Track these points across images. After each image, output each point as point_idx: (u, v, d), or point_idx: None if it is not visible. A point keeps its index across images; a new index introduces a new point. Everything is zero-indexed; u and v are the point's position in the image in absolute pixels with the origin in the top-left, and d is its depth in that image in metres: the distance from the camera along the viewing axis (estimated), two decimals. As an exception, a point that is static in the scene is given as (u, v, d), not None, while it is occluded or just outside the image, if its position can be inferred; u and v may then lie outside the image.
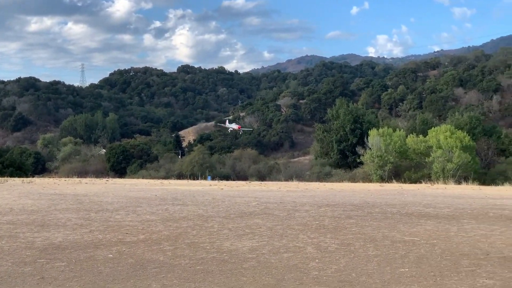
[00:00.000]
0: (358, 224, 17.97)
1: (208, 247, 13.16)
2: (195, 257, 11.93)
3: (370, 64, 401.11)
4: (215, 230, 16.34)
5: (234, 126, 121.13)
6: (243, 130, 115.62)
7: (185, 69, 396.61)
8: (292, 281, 9.77)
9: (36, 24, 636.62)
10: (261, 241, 14.12)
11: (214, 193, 33.76)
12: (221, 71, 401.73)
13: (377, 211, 23.10)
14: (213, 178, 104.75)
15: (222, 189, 40.02)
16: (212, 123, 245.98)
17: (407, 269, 10.65)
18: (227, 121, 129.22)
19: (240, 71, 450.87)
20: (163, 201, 26.77)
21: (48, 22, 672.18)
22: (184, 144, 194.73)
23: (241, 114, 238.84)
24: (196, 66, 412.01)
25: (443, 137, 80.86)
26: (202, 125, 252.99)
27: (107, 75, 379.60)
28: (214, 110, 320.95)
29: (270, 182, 63.83)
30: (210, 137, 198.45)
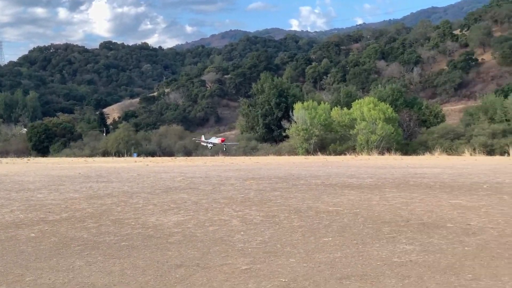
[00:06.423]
0: (283, 196, 18.16)
1: (133, 223, 13.06)
2: (120, 233, 11.81)
3: (294, 38, 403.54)
4: (140, 206, 16.22)
5: (215, 140, 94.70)
6: (225, 144, 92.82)
7: (107, 46, 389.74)
8: (218, 253, 9.78)
9: None
10: (187, 215, 14.10)
11: (140, 170, 33.49)
12: (144, 47, 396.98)
13: (302, 183, 23.43)
14: (139, 155, 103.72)
15: (147, 165, 39.75)
16: (137, 99, 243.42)
17: (330, 238, 10.82)
18: (203, 136, 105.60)
19: (163, 45, 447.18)
20: (87, 179, 26.37)
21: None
22: (109, 121, 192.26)
23: (166, 90, 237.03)
24: (115, 40, 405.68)
25: (367, 109, 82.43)
26: (127, 102, 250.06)
27: (24, 52, 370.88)
28: (138, 87, 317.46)
29: (196, 158, 63.73)
30: (135, 114, 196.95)
